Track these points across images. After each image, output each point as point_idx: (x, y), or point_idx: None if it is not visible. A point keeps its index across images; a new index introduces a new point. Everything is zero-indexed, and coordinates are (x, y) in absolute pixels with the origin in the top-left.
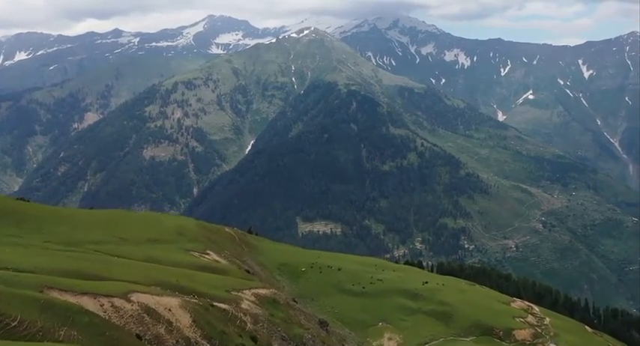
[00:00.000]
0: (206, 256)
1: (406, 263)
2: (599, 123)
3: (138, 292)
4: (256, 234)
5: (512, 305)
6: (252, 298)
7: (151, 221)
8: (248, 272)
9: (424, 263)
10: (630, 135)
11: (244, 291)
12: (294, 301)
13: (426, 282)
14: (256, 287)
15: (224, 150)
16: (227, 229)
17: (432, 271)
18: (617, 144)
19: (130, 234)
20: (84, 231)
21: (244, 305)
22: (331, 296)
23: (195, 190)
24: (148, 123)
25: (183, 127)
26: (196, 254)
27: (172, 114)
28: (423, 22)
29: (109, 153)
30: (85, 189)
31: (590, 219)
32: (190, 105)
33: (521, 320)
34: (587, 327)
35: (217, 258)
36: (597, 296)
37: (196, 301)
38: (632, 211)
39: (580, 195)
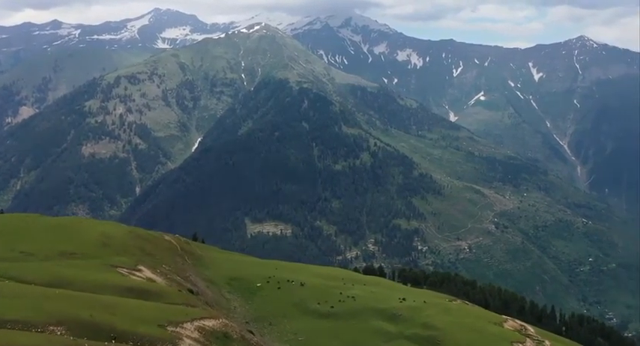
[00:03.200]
0: (137, 273)
1: (367, 269)
2: (548, 125)
3: None
4: (202, 242)
5: (505, 326)
6: (196, 334)
7: (68, 228)
8: (191, 292)
9: (377, 265)
10: (578, 138)
11: (185, 325)
12: (251, 332)
13: (404, 299)
14: (201, 317)
15: (169, 147)
16: (166, 237)
17: (393, 278)
18: (565, 146)
19: (37, 247)
20: None
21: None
22: (294, 318)
23: (137, 189)
24: (88, 118)
25: (126, 123)
26: (124, 271)
27: (114, 109)
28: (376, 21)
29: (44, 150)
30: (18, 188)
31: (541, 220)
32: (134, 100)
33: (520, 345)
34: None
35: (152, 276)
36: (549, 298)
37: None
38: (581, 212)
39: (531, 196)
